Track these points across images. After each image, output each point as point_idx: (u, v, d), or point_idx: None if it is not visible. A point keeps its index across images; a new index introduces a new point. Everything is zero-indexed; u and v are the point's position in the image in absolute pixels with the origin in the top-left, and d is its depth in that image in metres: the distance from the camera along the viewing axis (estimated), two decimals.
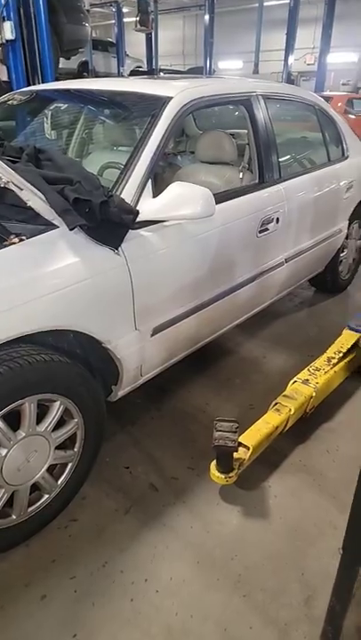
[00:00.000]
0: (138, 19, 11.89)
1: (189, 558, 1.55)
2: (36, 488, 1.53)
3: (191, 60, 22.66)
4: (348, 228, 3.14)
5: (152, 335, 1.80)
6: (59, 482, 1.58)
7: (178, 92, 1.98)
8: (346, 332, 2.51)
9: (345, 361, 2.35)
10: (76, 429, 1.56)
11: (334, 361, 2.29)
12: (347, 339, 2.44)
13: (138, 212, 1.61)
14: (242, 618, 1.38)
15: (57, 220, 1.47)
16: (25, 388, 1.35)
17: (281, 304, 3.16)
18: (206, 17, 15.34)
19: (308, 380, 2.15)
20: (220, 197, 2.04)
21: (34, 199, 1.47)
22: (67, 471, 1.60)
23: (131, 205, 1.62)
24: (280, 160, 2.46)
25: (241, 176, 2.40)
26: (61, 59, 6.00)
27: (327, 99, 10.94)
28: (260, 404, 2.21)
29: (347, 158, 3.02)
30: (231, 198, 2.12)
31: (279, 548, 1.59)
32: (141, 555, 1.56)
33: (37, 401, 1.41)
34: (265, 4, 18.23)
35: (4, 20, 4.06)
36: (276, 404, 2.03)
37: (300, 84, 16.74)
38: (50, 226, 1.47)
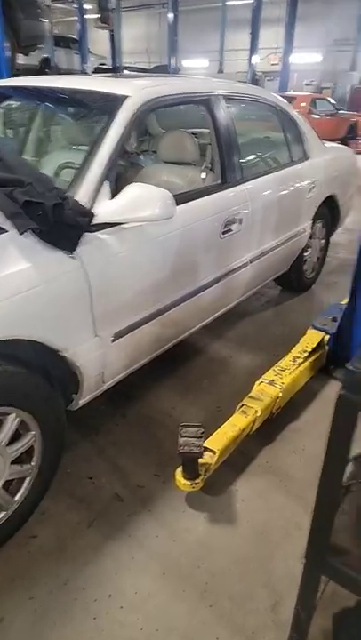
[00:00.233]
0: (99, 16, 11.75)
1: (155, 569, 1.51)
2: None
3: (156, 59, 22.61)
4: (312, 228, 3.17)
5: (113, 341, 1.75)
6: (16, 498, 1.51)
7: (135, 91, 1.93)
8: (310, 331, 2.53)
9: (310, 360, 2.36)
10: (33, 442, 1.49)
11: (300, 360, 2.30)
12: (311, 338, 2.46)
13: (93, 215, 1.55)
14: (208, 628, 1.36)
15: (7, 224, 1.40)
16: None
17: (247, 303, 3.16)
18: (170, 15, 15.31)
19: (273, 380, 2.15)
20: (182, 198, 2.01)
21: None
22: (24, 486, 1.53)
23: (86, 207, 1.56)
24: (243, 160, 2.45)
25: (204, 176, 2.38)
26: (22, 55, 5.85)
27: (291, 99, 11.13)
28: (227, 406, 2.20)
29: (308, 159, 3.05)
30: (193, 199, 2.08)
31: (246, 553, 1.57)
32: (105, 569, 1.51)
33: None
34: (228, 3, 18.37)
35: None
36: (242, 405, 2.02)
37: (265, 84, 16.93)
38: None
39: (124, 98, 1.87)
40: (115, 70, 15.68)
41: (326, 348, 2.48)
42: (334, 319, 2.53)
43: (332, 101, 13.24)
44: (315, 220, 3.18)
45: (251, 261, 2.53)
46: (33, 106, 2.51)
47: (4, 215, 1.39)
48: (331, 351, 2.49)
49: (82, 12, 16.75)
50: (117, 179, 2.65)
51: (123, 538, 1.61)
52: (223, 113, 2.35)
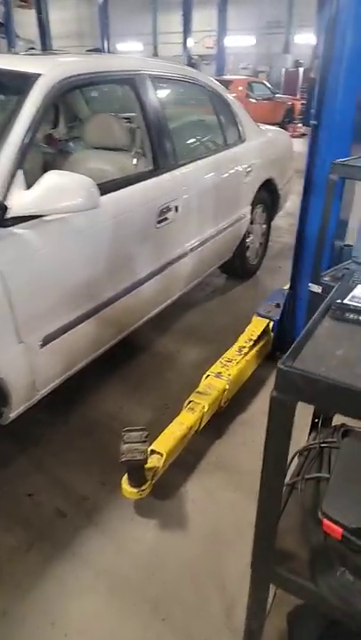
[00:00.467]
0: None
1: (102, 587, 1.41)
2: None
3: (89, 42, 21.83)
4: (252, 213, 3.13)
5: (43, 346, 1.60)
6: None
7: (49, 69, 1.76)
8: (255, 318, 2.48)
9: (256, 349, 2.32)
10: None
11: (245, 350, 2.25)
12: (256, 325, 2.42)
13: (6, 208, 1.40)
14: None
15: None
16: None
17: (193, 294, 3.07)
18: None
19: (220, 372, 2.09)
20: (111, 186, 1.88)
21: None
22: None
23: None
24: (176, 144, 2.33)
25: (135, 162, 2.25)
26: None
27: (228, 83, 11.08)
28: (175, 403, 2.11)
29: (244, 142, 2.98)
30: (123, 187, 1.95)
31: (198, 557, 1.50)
32: (48, 594, 1.39)
33: None
34: None
35: None
36: (189, 402, 1.94)
37: (202, 68, 16.82)
38: None
39: (37, 76, 1.70)
40: None
41: (272, 334, 2.45)
42: (278, 305, 2.50)
43: (269, 85, 13.34)
44: (254, 204, 3.14)
45: (191, 250, 2.44)
46: None
47: None
48: (276, 337, 2.47)
49: None
50: (45, 168, 2.50)
51: (66, 557, 1.49)
52: (151, 93, 2.22)
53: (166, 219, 2.17)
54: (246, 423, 2.07)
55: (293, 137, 4.33)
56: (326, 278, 2.04)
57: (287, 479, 1.08)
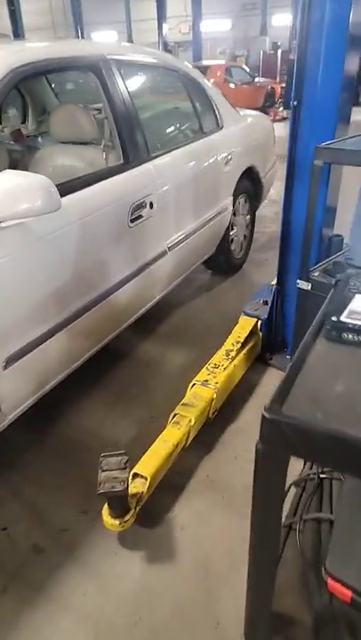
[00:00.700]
0: None
1: (84, 636, 1.27)
2: None
3: (63, 32, 21.26)
4: (234, 205, 2.96)
5: (6, 367, 1.44)
6: None
7: (1, 57, 1.57)
8: (242, 318, 2.33)
9: (244, 351, 2.17)
10: None
11: (233, 354, 2.10)
12: (244, 326, 2.27)
13: None
14: None
15: None
16: None
17: (177, 292, 2.90)
18: None
19: (207, 380, 1.94)
20: (75, 185, 1.71)
21: None
22: None
23: None
24: (148, 135, 2.15)
25: (104, 156, 2.07)
26: None
27: (205, 68, 10.81)
28: (160, 414, 1.97)
29: (222, 129, 2.80)
30: (90, 184, 1.78)
31: (190, 595, 1.36)
32: None
33: None
34: None
35: None
36: (174, 415, 1.79)
37: (179, 55, 16.46)
38: None
39: None
40: None
41: (260, 334, 2.30)
42: (266, 302, 2.35)
43: (247, 69, 13.07)
44: (236, 195, 2.96)
45: (170, 249, 2.28)
46: None
47: None
48: (265, 337, 2.32)
49: None
50: (12, 166, 2.31)
51: (43, 602, 1.34)
52: (118, 81, 2.03)
53: (140, 216, 2.00)
54: (237, 433, 1.93)
55: (275, 121, 4.18)
56: (316, 274, 1.89)
57: (283, 517, 0.94)
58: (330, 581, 0.73)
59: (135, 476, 1.54)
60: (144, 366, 2.38)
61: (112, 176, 1.89)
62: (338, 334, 0.71)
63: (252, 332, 2.26)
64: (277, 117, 10.46)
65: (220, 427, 1.95)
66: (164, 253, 2.23)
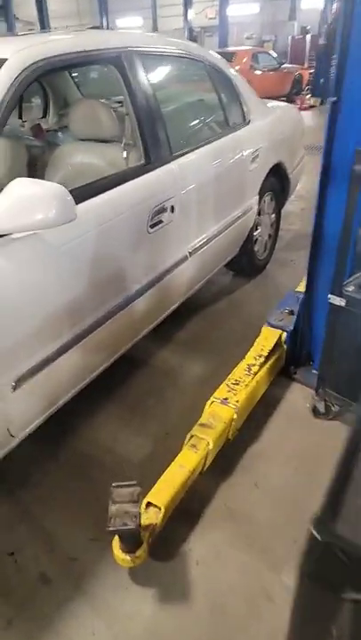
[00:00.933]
0: None
1: None
2: None
3: (88, 20, 20.97)
4: (260, 204, 2.80)
5: (15, 389, 1.35)
6: None
7: (15, 52, 1.46)
8: (266, 329, 2.20)
9: (267, 365, 2.04)
10: None
11: (255, 369, 1.97)
12: (267, 338, 2.13)
13: None
14: None
15: None
16: None
17: (197, 295, 2.77)
18: None
19: (226, 398, 1.82)
20: (92, 190, 1.60)
21: None
22: None
23: None
24: (170, 132, 2.01)
25: (125, 155, 1.95)
26: None
27: (231, 55, 10.47)
28: (176, 430, 1.88)
29: (249, 123, 2.64)
30: (108, 189, 1.66)
31: None
32: None
33: None
34: None
35: None
36: (191, 437, 1.68)
37: (204, 41, 16.05)
38: None
39: (1, 62, 1.41)
40: None
41: (284, 346, 2.16)
42: (291, 312, 2.21)
43: (275, 55, 12.63)
44: (262, 193, 2.81)
45: (191, 254, 2.15)
46: None
47: None
48: (290, 350, 2.18)
49: None
50: (30, 164, 2.21)
51: (50, 638, 1.27)
52: (140, 74, 1.90)
53: (160, 221, 1.88)
54: (258, 456, 1.81)
55: (302, 109, 3.96)
56: (350, 288, 1.75)
57: None
58: None
59: (148, 505, 1.44)
60: (161, 376, 2.27)
61: (132, 179, 1.77)
62: None
63: (276, 345, 2.13)
64: (305, 105, 10.10)
65: (239, 448, 1.83)
66: (184, 259, 2.10)
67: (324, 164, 1.81)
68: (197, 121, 2.53)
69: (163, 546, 1.46)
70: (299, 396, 2.11)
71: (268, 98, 3.51)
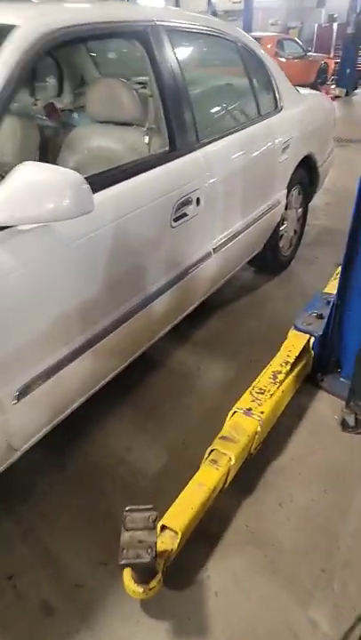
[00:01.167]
0: None
1: None
2: None
3: None
4: (287, 197, 2.62)
5: (19, 399, 1.22)
6: None
7: (27, 20, 1.31)
8: (292, 333, 2.04)
9: (294, 372, 1.89)
10: None
11: (281, 377, 1.82)
12: (294, 343, 1.98)
13: None
14: None
15: None
16: None
17: (217, 292, 2.63)
18: None
19: (250, 409, 1.67)
20: (112, 177, 1.44)
21: None
22: None
23: None
24: (198, 117, 1.85)
25: (147, 141, 1.79)
26: None
27: (256, 40, 10.16)
28: (194, 440, 1.76)
29: (281, 110, 2.45)
30: (129, 177, 1.51)
31: None
32: None
33: None
34: None
35: None
36: (211, 451, 1.54)
37: None
38: None
39: (10, 29, 1.25)
40: None
41: (312, 352, 2.01)
42: (320, 316, 2.05)
43: (300, 42, 12.23)
44: (290, 187, 2.63)
45: (215, 250, 1.99)
46: None
47: None
48: (317, 355, 2.02)
49: None
50: (42, 146, 2.06)
51: None
52: (168, 52, 1.73)
53: (185, 214, 1.72)
54: (282, 472, 1.67)
55: None
56: None
57: None
58: None
59: (164, 528, 1.31)
60: (178, 379, 2.13)
61: (155, 167, 1.61)
62: None
63: (304, 350, 1.97)
64: (330, 95, 9.76)
65: (261, 462, 1.69)
66: (208, 255, 1.95)
67: None
68: (226, 105, 2.35)
69: (178, 572, 1.33)
70: (325, 406, 1.96)
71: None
